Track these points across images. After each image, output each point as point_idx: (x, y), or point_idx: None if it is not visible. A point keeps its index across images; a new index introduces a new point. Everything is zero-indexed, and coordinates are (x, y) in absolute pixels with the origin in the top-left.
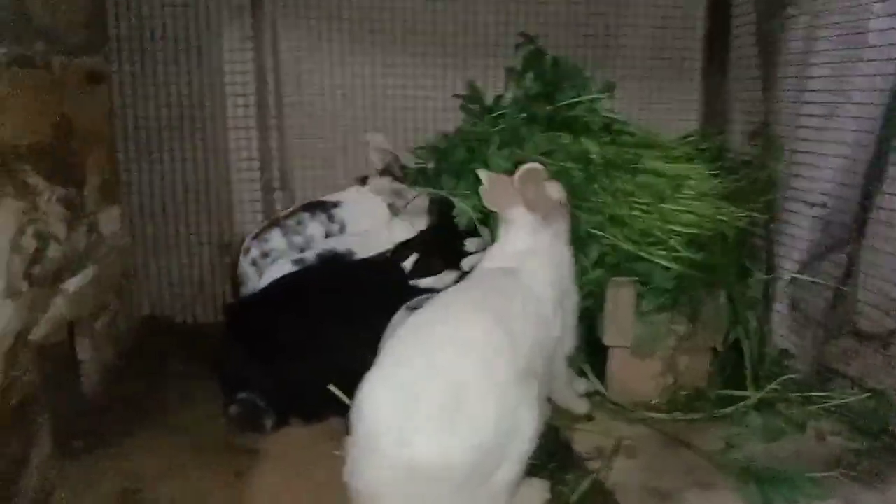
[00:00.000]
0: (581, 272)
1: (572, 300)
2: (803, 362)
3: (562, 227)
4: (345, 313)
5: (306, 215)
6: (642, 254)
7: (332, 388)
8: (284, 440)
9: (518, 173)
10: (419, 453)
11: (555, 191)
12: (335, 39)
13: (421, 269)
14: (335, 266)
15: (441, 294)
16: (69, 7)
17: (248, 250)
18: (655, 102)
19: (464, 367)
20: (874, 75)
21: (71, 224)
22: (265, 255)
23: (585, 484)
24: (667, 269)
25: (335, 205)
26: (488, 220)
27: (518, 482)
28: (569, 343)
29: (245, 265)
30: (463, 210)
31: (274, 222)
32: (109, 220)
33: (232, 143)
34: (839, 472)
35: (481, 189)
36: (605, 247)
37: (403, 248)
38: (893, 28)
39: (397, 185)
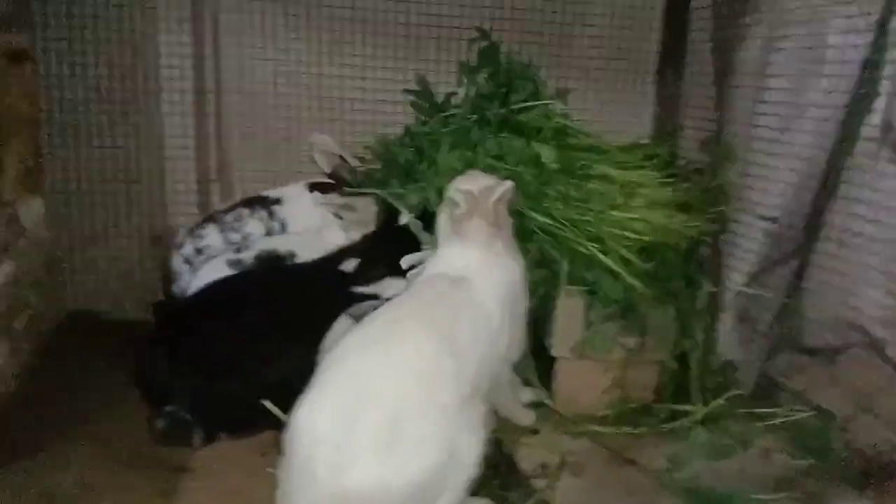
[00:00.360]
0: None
1: (522, 308)
2: (748, 375)
3: (509, 232)
4: (282, 323)
5: (245, 211)
6: (595, 256)
7: (266, 403)
8: (213, 455)
9: (496, 194)
10: (355, 483)
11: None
12: (280, 24)
13: (362, 276)
14: (274, 270)
15: (383, 306)
16: None
17: (181, 245)
18: (608, 107)
19: (403, 391)
20: (830, 91)
21: None
22: (199, 251)
23: None
24: (616, 277)
25: (277, 201)
26: (430, 224)
27: None
28: (516, 351)
29: (177, 262)
30: (403, 211)
31: (210, 217)
32: (31, 212)
33: (167, 130)
34: (783, 495)
35: (454, 207)
36: (552, 247)
37: (344, 253)
38: (851, 44)
39: (346, 200)
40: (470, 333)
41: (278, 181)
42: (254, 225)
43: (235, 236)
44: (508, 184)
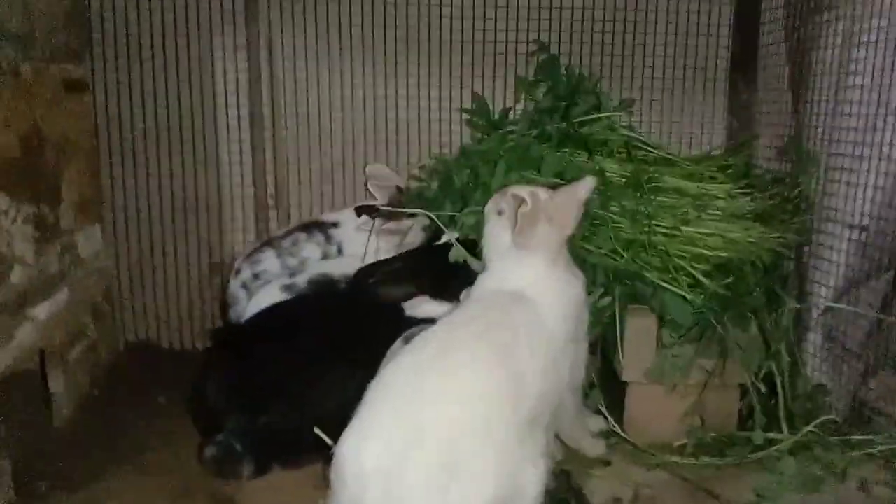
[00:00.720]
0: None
1: (584, 328)
2: (840, 400)
3: (559, 246)
4: (336, 347)
5: (302, 235)
6: (660, 283)
7: (317, 431)
8: (265, 486)
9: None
10: None
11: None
12: (334, 48)
13: (386, 287)
14: (329, 295)
15: (436, 326)
16: (45, 10)
17: (238, 271)
18: (678, 118)
19: (459, 422)
20: None
21: (41, 245)
22: (256, 276)
23: None
24: (686, 300)
25: (334, 224)
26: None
27: None
28: (579, 376)
29: (235, 287)
30: (446, 231)
31: (268, 242)
32: (89, 240)
33: (224, 157)
34: None
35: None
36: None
37: (371, 267)
38: None
39: (393, 224)
40: (530, 356)
41: (336, 206)
42: (310, 249)
43: (293, 261)
44: (589, 182)
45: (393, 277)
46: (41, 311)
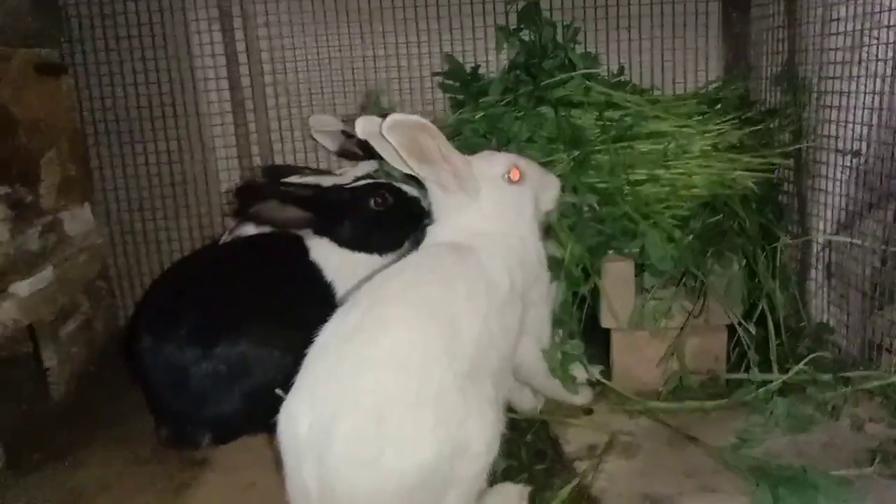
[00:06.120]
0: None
1: (542, 288)
2: (846, 338)
3: (516, 206)
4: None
5: None
6: (639, 230)
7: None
8: (236, 449)
9: (384, 124)
10: (343, 486)
11: (496, 162)
12: (307, 13)
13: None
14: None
15: (368, 284)
16: None
17: None
18: (671, 55)
19: (385, 384)
20: None
21: (17, 224)
22: None
23: (566, 490)
24: (670, 241)
25: None
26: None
27: (480, 495)
28: (545, 335)
29: None
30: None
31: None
32: (76, 220)
33: (207, 131)
34: (872, 468)
35: (372, 142)
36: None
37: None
38: None
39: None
40: (467, 307)
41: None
42: None
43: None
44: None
45: (285, 196)
46: (22, 288)
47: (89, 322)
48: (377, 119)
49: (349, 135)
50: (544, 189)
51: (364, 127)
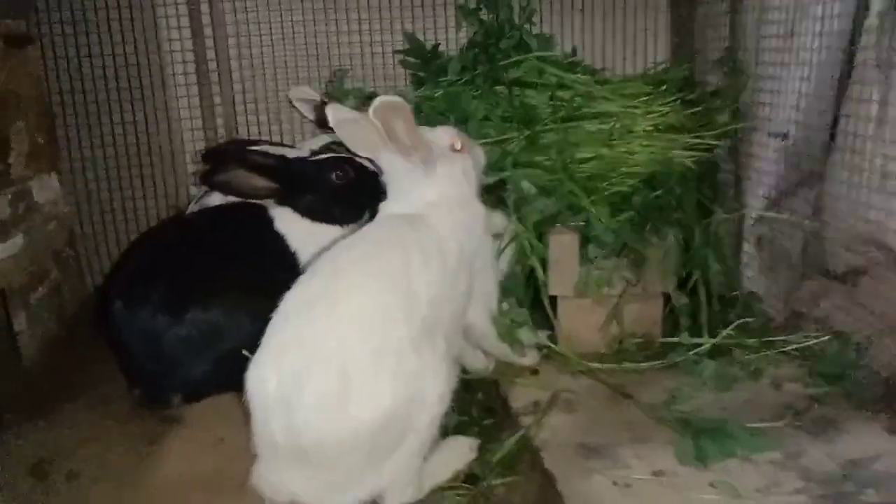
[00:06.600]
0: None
1: (486, 255)
2: (774, 306)
3: (459, 174)
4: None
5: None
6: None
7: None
8: (207, 407)
9: (372, 106)
10: (313, 441)
11: (443, 135)
12: None
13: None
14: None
15: (329, 252)
16: None
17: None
18: (622, 38)
19: (347, 343)
20: None
21: None
22: None
23: (511, 441)
24: (612, 215)
25: None
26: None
27: (431, 446)
28: (492, 300)
29: None
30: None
31: None
32: (44, 189)
33: (173, 103)
34: (784, 422)
35: (338, 130)
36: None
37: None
38: None
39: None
40: (421, 272)
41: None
42: None
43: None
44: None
45: (251, 166)
46: None
47: (58, 288)
48: (346, 108)
49: (325, 102)
50: (476, 159)
51: (335, 115)
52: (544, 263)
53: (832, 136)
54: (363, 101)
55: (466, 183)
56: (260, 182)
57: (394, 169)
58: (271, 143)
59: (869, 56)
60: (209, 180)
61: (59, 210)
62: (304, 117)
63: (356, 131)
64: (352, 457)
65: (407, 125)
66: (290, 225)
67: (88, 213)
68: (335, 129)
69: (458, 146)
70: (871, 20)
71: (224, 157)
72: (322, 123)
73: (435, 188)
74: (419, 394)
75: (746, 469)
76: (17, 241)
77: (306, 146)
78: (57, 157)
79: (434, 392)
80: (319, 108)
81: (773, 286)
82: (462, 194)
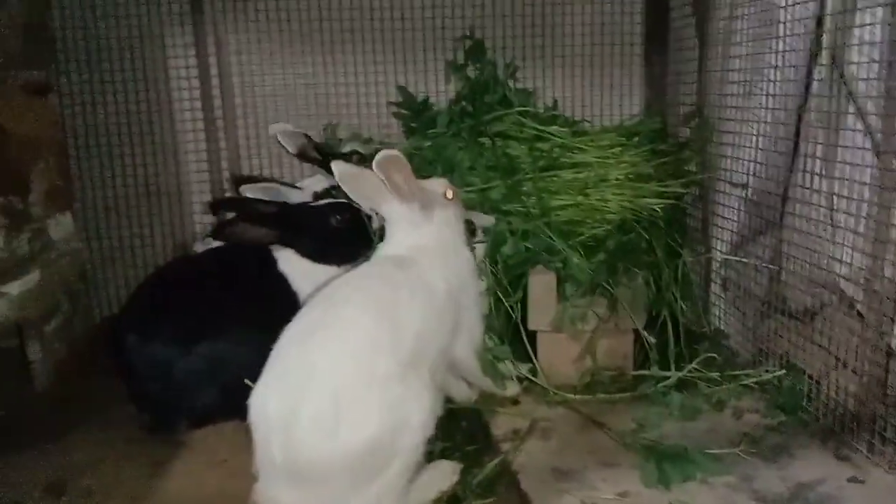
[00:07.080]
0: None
1: (472, 295)
2: (741, 343)
3: (451, 220)
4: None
5: None
6: (559, 246)
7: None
8: (212, 431)
9: (375, 161)
10: (307, 459)
11: (437, 185)
12: (275, 41)
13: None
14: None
15: (328, 287)
16: (2, 26)
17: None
18: (599, 91)
19: (341, 371)
20: (784, 51)
21: (10, 231)
22: None
23: (491, 465)
24: (589, 257)
25: None
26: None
27: (416, 469)
28: (477, 335)
29: None
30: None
31: None
32: (60, 226)
33: (181, 147)
34: (739, 449)
35: (342, 183)
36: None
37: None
38: (800, 2)
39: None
40: (410, 308)
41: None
42: None
43: None
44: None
45: (255, 218)
46: (13, 288)
47: (69, 320)
48: (349, 165)
49: (308, 137)
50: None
51: (340, 170)
52: (523, 301)
53: (786, 189)
54: (362, 142)
55: (457, 228)
56: (262, 231)
57: (395, 215)
58: (276, 181)
59: (814, 117)
60: (217, 235)
61: (73, 246)
62: (287, 151)
63: (359, 183)
64: (342, 476)
65: (406, 175)
66: (293, 266)
67: (98, 248)
68: (340, 183)
69: (451, 195)
70: (816, 85)
71: (228, 208)
72: (302, 155)
73: (433, 232)
74: (404, 420)
75: (703, 491)
76: (34, 276)
77: (309, 187)
78: (72, 197)
79: (418, 418)
80: (302, 141)
81: (740, 324)
82: (455, 237)
